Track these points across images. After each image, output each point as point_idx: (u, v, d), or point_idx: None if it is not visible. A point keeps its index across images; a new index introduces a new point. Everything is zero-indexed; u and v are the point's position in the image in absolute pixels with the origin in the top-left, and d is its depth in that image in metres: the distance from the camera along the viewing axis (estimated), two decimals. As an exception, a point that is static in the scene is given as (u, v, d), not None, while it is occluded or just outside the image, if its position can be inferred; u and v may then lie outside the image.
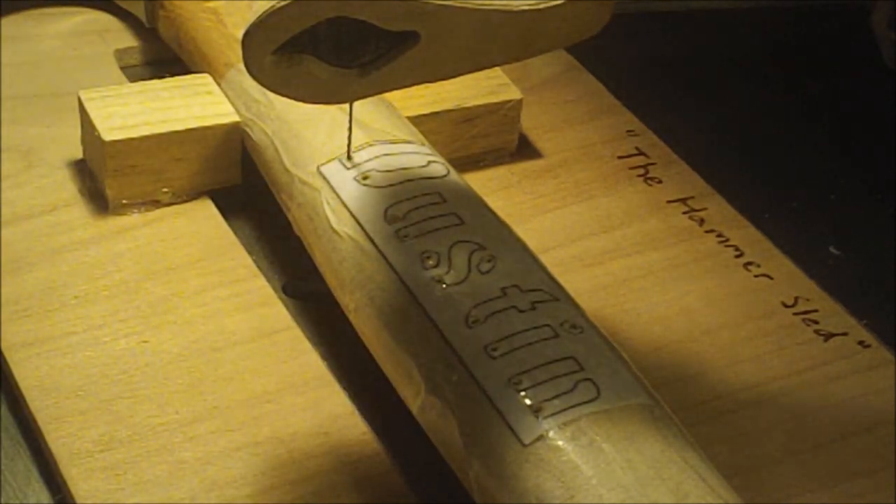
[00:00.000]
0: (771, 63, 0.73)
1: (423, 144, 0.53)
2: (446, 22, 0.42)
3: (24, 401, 0.50)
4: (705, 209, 0.60)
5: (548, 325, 0.44)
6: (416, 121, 0.57)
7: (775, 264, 0.58)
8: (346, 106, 0.51)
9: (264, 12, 0.40)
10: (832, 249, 0.61)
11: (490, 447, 0.42)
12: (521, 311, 0.45)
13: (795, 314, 0.56)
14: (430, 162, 0.51)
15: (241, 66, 0.43)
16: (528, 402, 0.42)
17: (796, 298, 0.56)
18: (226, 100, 0.58)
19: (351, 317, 0.49)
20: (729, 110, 0.70)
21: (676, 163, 0.63)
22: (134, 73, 0.66)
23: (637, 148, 0.64)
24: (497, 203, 0.51)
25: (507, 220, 0.49)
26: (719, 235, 0.59)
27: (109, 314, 0.53)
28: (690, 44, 0.74)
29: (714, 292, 0.56)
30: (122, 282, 0.54)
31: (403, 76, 0.44)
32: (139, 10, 0.66)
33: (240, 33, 0.42)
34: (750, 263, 0.58)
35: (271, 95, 0.49)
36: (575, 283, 0.50)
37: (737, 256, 0.58)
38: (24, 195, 0.58)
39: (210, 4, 0.61)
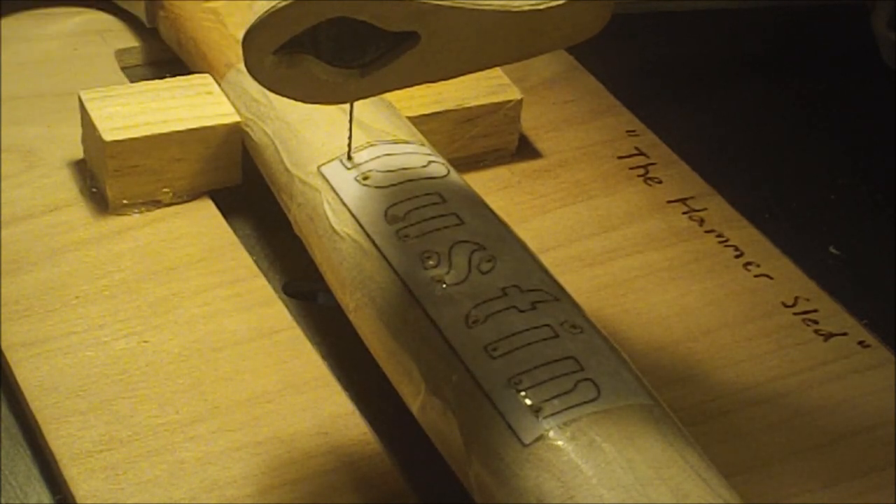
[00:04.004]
0: (771, 63, 0.73)
1: (423, 144, 0.53)
2: (446, 22, 0.42)
3: (25, 401, 0.50)
4: (705, 209, 0.60)
5: (548, 325, 0.44)
6: (417, 121, 0.57)
7: (775, 264, 0.58)
8: (346, 106, 0.51)
9: (264, 13, 0.40)
10: (832, 249, 0.61)
11: (490, 447, 0.42)
12: (521, 311, 0.45)
13: (795, 314, 0.56)
14: (430, 162, 0.51)
15: (242, 66, 0.43)
16: (528, 402, 0.42)
17: (796, 298, 0.56)
18: (226, 100, 0.58)
19: (351, 317, 0.49)
20: (729, 110, 0.70)
21: (676, 163, 0.63)
22: (134, 74, 0.66)
23: (637, 148, 0.64)
24: (497, 203, 0.51)
25: (507, 220, 0.49)
26: (719, 235, 0.59)
27: (109, 314, 0.53)
28: (690, 44, 0.74)
29: (714, 292, 0.56)
30: (123, 282, 0.54)
31: (403, 76, 0.44)
32: (139, 11, 0.66)
33: (240, 33, 0.42)
34: (750, 263, 0.58)
35: (271, 95, 0.49)
36: (575, 283, 0.50)
37: (737, 256, 0.58)
38: (24, 195, 0.58)
39: (210, 4, 0.61)
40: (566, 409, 0.42)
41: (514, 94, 0.61)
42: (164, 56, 0.66)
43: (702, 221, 0.60)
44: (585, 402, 0.42)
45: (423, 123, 0.57)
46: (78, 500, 0.46)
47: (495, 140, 0.62)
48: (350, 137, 0.51)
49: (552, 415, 0.41)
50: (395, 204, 0.49)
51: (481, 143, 0.61)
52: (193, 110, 0.58)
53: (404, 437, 0.48)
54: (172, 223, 0.57)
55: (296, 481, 0.47)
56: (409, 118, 0.56)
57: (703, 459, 0.42)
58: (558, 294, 0.46)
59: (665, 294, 0.56)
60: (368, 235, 0.48)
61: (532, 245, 0.49)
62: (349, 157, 0.51)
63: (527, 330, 0.44)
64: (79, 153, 0.59)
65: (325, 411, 0.50)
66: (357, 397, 0.51)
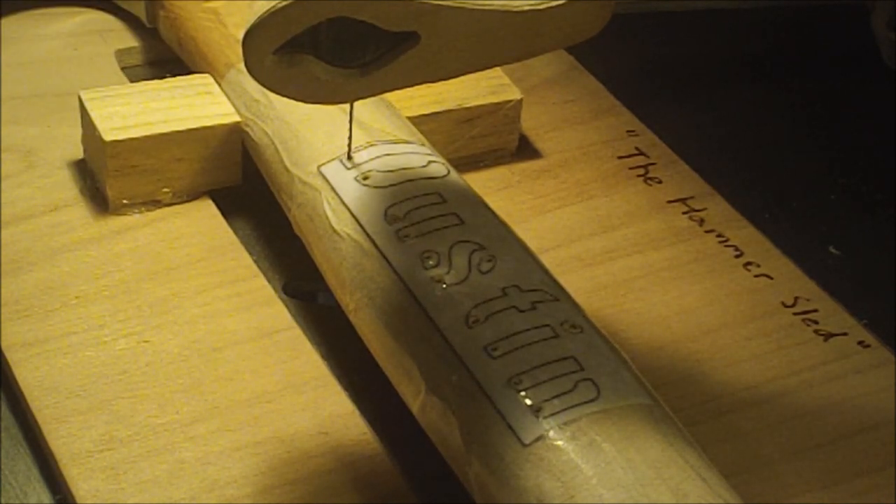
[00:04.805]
0: (771, 63, 0.73)
1: (423, 144, 0.53)
2: (446, 22, 0.42)
3: (25, 401, 0.50)
4: (705, 209, 0.61)
5: (548, 325, 0.44)
6: (417, 121, 0.57)
7: (775, 264, 0.58)
8: (346, 106, 0.51)
9: (264, 12, 0.40)
10: (832, 249, 0.61)
11: (490, 447, 0.42)
12: (521, 311, 0.45)
13: (795, 314, 0.56)
14: (430, 162, 0.51)
15: (242, 66, 0.43)
16: (528, 401, 0.42)
17: (796, 298, 0.56)
18: (226, 100, 0.58)
19: (351, 317, 0.49)
20: (729, 110, 0.70)
21: (676, 163, 0.63)
22: (134, 73, 0.66)
23: (637, 148, 0.64)
24: (497, 203, 0.51)
25: (507, 220, 0.49)
26: (719, 235, 0.59)
27: (109, 314, 0.53)
28: (690, 44, 0.74)
29: (714, 292, 0.56)
30: (123, 282, 0.54)
31: (403, 76, 0.44)
32: (139, 11, 0.66)
33: (240, 33, 0.42)
34: (750, 263, 0.58)
35: (271, 95, 0.49)
36: (575, 283, 0.50)
37: (737, 256, 0.58)
38: (24, 195, 0.58)
39: (210, 4, 0.61)
40: (566, 409, 0.42)
41: (514, 94, 0.61)
42: (164, 56, 0.66)
43: (702, 221, 0.60)
44: (585, 402, 0.42)
45: (423, 123, 0.57)
46: (78, 500, 0.46)
47: (495, 140, 0.62)
48: (350, 137, 0.51)
49: (552, 415, 0.41)
50: (395, 204, 0.49)
51: (481, 143, 0.61)
52: (193, 110, 0.58)
53: (404, 437, 0.48)
54: (172, 223, 0.57)
55: (296, 481, 0.47)
56: (409, 118, 0.56)
57: (703, 459, 0.42)
58: (558, 294, 0.46)
59: (665, 294, 0.56)
60: (368, 235, 0.48)
61: (532, 245, 0.49)
62: (349, 157, 0.51)
63: (527, 330, 0.44)
64: (79, 153, 0.59)
65: (325, 411, 0.50)
66: (357, 397, 0.51)
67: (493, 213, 0.49)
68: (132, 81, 0.64)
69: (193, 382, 0.50)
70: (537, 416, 0.42)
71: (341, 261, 0.49)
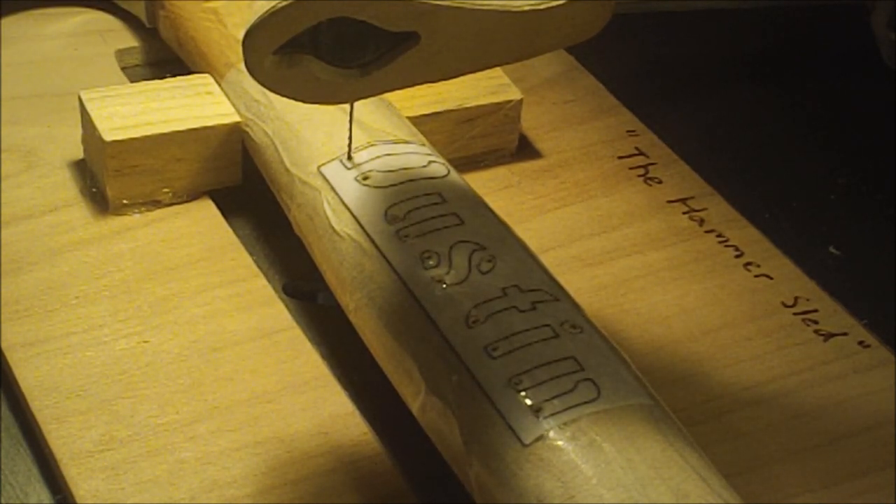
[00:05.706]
0: (771, 63, 0.73)
1: (423, 144, 0.53)
2: (446, 22, 0.42)
3: (25, 401, 0.50)
4: (705, 209, 0.61)
5: (548, 325, 0.44)
6: (417, 121, 0.57)
7: (775, 264, 0.58)
8: (346, 106, 0.51)
9: (264, 13, 0.40)
10: (832, 249, 0.61)
11: (490, 447, 0.42)
12: (521, 311, 0.45)
13: (795, 314, 0.56)
14: (430, 162, 0.51)
15: (242, 66, 0.43)
16: (528, 402, 0.42)
17: (796, 298, 0.56)
18: (226, 100, 0.58)
19: (351, 317, 0.49)
20: (729, 110, 0.70)
21: (676, 163, 0.63)
22: (134, 74, 0.66)
23: (637, 148, 0.64)
24: (497, 203, 0.51)
25: (507, 220, 0.49)
26: (719, 235, 0.59)
27: (109, 314, 0.53)
28: (690, 44, 0.74)
29: (714, 292, 0.56)
30: (123, 282, 0.54)
31: (404, 76, 0.44)
32: (139, 11, 0.66)
33: (240, 33, 0.42)
34: (750, 263, 0.58)
35: (271, 95, 0.49)
36: (575, 283, 0.50)
37: (737, 256, 0.58)
38: (24, 195, 0.58)
39: (210, 4, 0.61)
40: (566, 409, 0.42)
41: (514, 94, 0.61)
42: (164, 56, 0.66)
43: (702, 221, 0.60)
44: (585, 402, 0.42)
45: (423, 123, 0.57)
46: (78, 500, 0.46)
47: (495, 140, 0.62)
48: (350, 137, 0.51)
49: (552, 415, 0.41)
50: (395, 204, 0.49)
51: (481, 143, 0.61)
52: (193, 110, 0.58)
53: (404, 437, 0.48)
54: (172, 223, 0.57)
55: (296, 481, 0.47)
56: (409, 118, 0.56)
57: (703, 459, 0.42)
58: (558, 294, 0.46)
59: (665, 294, 0.56)
60: (368, 235, 0.48)
61: (532, 245, 0.49)
62: (349, 157, 0.51)
63: (527, 330, 0.44)
64: (79, 153, 0.59)
65: (325, 411, 0.50)
66: (357, 397, 0.51)
67: (493, 213, 0.49)
68: (132, 81, 0.64)
69: (193, 382, 0.50)
70: (537, 416, 0.42)
71: (341, 261, 0.49)
